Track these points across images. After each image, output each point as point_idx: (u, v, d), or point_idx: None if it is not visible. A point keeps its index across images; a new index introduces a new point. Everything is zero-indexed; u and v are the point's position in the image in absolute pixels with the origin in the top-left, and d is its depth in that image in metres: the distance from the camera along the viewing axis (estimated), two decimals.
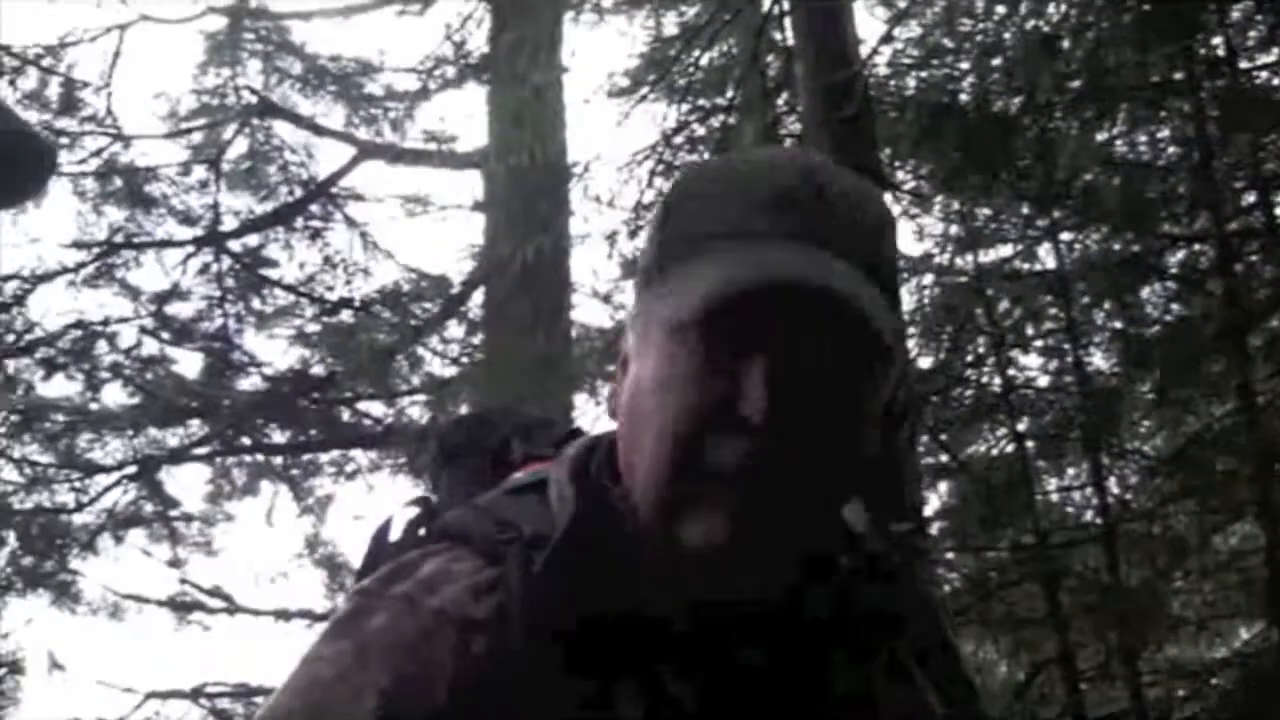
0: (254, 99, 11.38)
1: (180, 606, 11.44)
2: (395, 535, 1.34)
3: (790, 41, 7.31)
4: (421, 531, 1.31)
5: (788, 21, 7.35)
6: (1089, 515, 7.09)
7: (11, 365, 10.67)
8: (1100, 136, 7.25)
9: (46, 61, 10.93)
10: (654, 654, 1.12)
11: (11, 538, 10.86)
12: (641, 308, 1.20)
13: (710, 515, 1.11)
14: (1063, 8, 7.10)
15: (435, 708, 1.08)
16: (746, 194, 1.16)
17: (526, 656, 1.09)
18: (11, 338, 10.60)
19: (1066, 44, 7.06)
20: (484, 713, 1.08)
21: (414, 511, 1.38)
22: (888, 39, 7.52)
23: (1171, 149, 7.49)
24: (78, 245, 10.76)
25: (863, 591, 1.23)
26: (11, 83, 10.83)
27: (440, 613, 1.12)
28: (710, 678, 1.13)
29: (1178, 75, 6.90)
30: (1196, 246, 7.26)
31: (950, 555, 7.21)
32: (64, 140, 10.90)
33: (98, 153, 10.97)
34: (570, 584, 1.12)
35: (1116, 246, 7.27)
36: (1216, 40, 6.96)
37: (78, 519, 11.07)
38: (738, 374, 1.11)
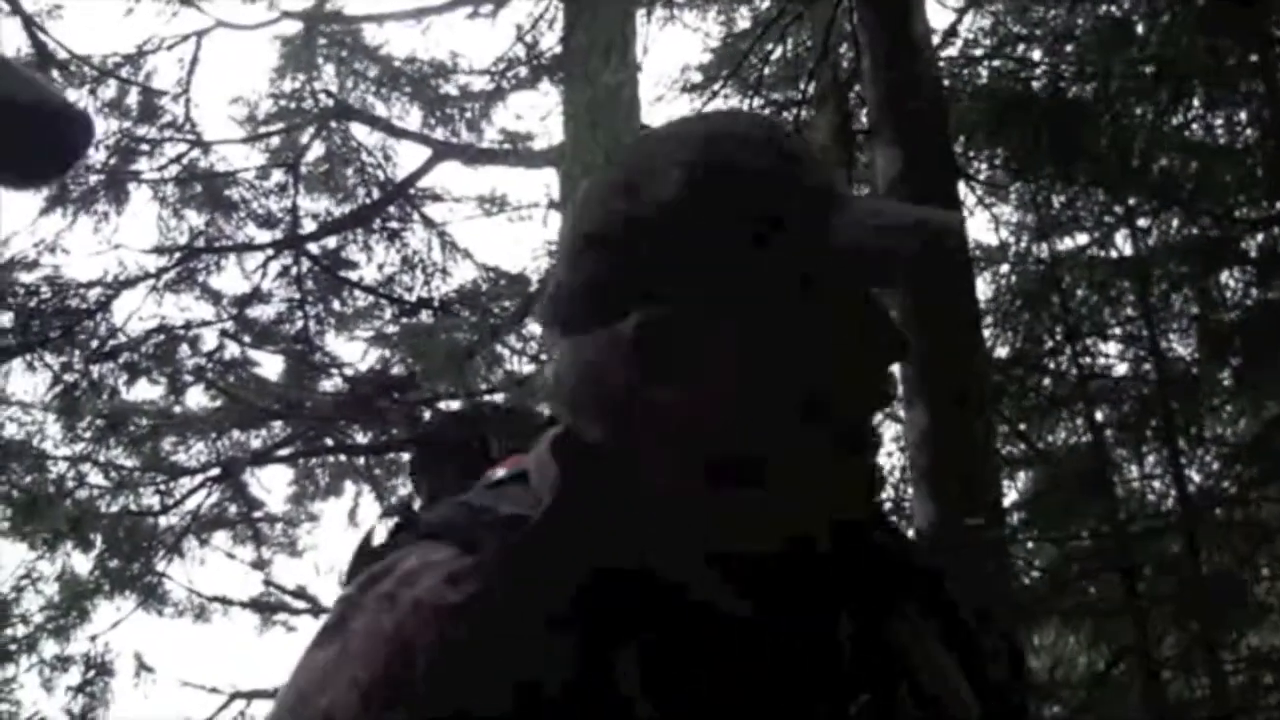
0: (330, 102, 11.50)
1: (264, 608, 11.58)
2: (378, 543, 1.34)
3: (859, 34, 7.29)
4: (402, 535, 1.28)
5: (856, 14, 7.34)
6: (1169, 503, 7.02)
7: (96, 370, 10.78)
8: (1175, 121, 7.18)
9: (125, 70, 11.08)
10: (655, 619, 1.10)
11: (99, 541, 10.97)
12: (721, 275, 1.15)
13: (845, 470, 1.17)
14: None
15: (418, 696, 1.06)
16: (782, 152, 1.19)
17: (511, 635, 1.07)
18: (95, 343, 10.73)
19: (1139, 29, 7.00)
20: (470, 695, 1.06)
21: (395, 518, 1.39)
22: (953, 31, 7.49)
23: (1248, 131, 7.40)
24: (159, 250, 10.91)
25: (870, 542, 1.25)
26: (92, 92, 10.99)
27: (417, 602, 1.10)
28: (714, 643, 1.12)
29: (1252, 57, 6.81)
30: (1276, 230, 7.17)
31: (1029, 545, 7.17)
32: (144, 147, 11.07)
33: (177, 159, 11.13)
34: (557, 548, 1.11)
35: (1194, 231, 7.19)
36: None
37: (163, 521, 11.22)
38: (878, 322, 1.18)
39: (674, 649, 1.09)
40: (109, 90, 11.12)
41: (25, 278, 10.62)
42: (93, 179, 10.89)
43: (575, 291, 1.18)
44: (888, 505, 8.33)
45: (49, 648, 11.15)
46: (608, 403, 1.17)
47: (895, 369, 1.22)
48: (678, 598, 1.11)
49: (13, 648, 11.00)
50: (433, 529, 1.19)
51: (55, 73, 10.76)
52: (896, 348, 1.20)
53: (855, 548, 1.22)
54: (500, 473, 1.31)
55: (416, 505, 1.52)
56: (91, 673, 11.13)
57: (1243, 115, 7.44)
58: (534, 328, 11.08)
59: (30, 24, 10.45)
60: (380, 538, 1.34)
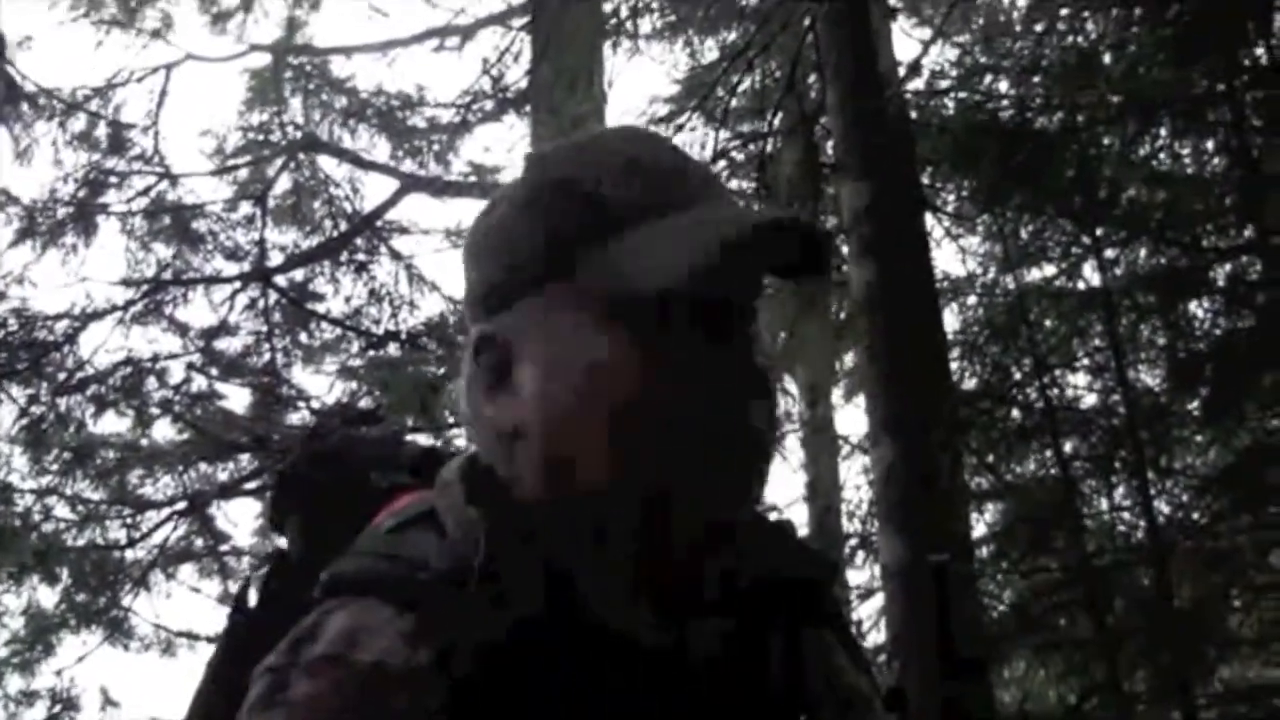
0: (298, 134, 11.48)
1: None
2: (253, 602, 1.28)
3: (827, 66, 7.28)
4: (282, 591, 1.25)
5: (821, 46, 7.34)
6: (1138, 535, 6.99)
7: (63, 403, 10.74)
8: (1142, 151, 7.18)
9: (95, 103, 11.08)
10: (581, 656, 1.08)
11: (65, 574, 10.96)
12: (555, 299, 1.15)
13: (726, 483, 1.12)
14: (1102, 23, 7.04)
15: None
16: (638, 165, 1.16)
17: (487, 691, 1.05)
18: (63, 376, 10.68)
19: (1106, 59, 7.00)
20: None
21: (267, 571, 1.32)
22: (919, 63, 7.49)
23: (1215, 161, 7.40)
24: (126, 283, 10.89)
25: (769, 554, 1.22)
26: (61, 125, 10.98)
27: (378, 666, 1.05)
28: (640, 678, 1.10)
29: (1219, 87, 6.82)
30: (1244, 259, 7.16)
31: (998, 579, 7.13)
32: (113, 180, 11.04)
33: (145, 191, 11.13)
34: (510, 599, 1.08)
35: (1162, 261, 7.18)
36: (1259, 51, 6.87)
37: (130, 555, 11.21)
38: (730, 337, 1.13)
39: (600, 686, 1.08)
40: (78, 123, 11.14)
41: None
42: (61, 212, 10.85)
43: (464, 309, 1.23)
44: (853, 540, 8.31)
45: (14, 682, 11.18)
46: (472, 418, 1.19)
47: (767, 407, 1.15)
48: (601, 633, 1.09)
49: None
50: (355, 582, 1.13)
51: (25, 105, 10.76)
52: (729, 390, 1.12)
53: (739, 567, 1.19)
54: (398, 510, 1.25)
55: (287, 550, 1.42)
56: (57, 707, 11.11)
57: (1210, 144, 7.44)
58: None
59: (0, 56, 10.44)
60: (254, 595, 1.26)
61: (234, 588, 11.73)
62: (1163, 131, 7.14)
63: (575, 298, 1.13)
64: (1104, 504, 7.37)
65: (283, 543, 1.42)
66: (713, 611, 1.15)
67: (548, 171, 1.19)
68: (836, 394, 11.97)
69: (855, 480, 11.46)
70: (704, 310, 1.12)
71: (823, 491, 11.96)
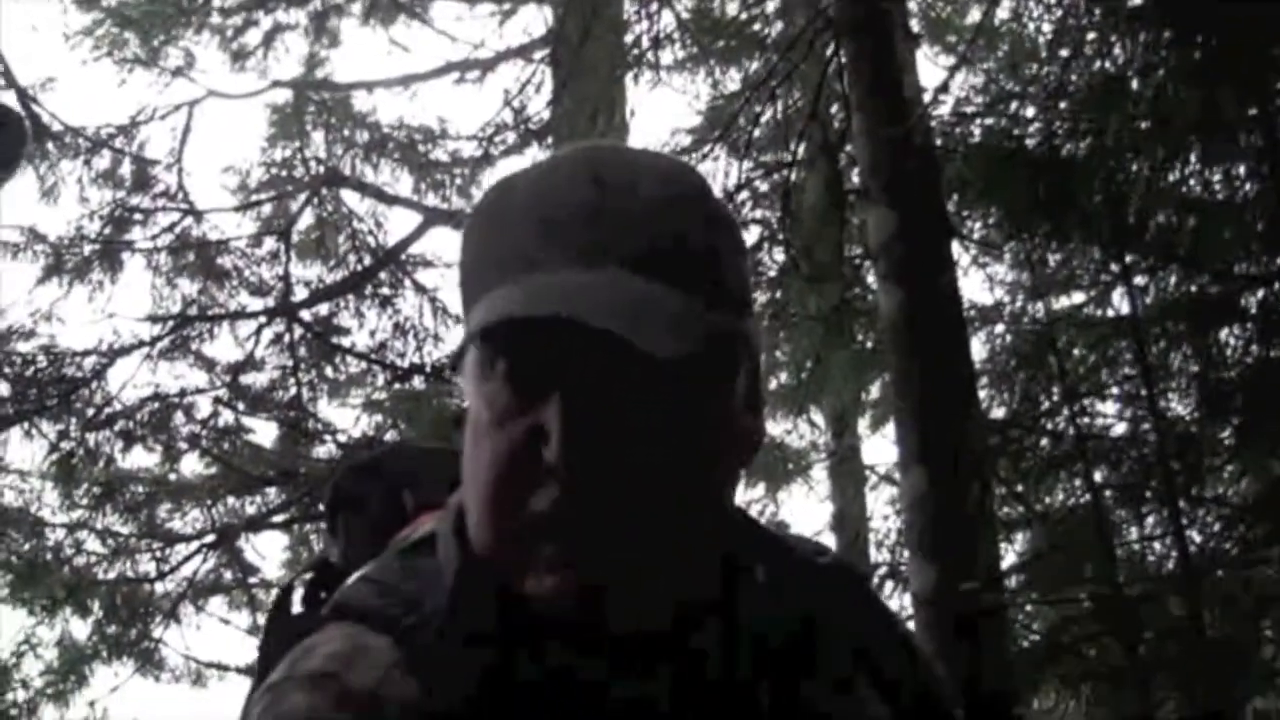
0: (321, 169, 11.52)
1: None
2: (297, 606, 1.29)
3: (850, 94, 7.26)
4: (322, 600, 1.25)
5: (847, 74, 7.31)
6: (1169, 565, 6.92)
7: (92, 438, 10.80)
8: (1172, 177, 7.12)
9: (119, 141, 11.15)
10: (584, 702, 1.08)
11: (96, 607, 11.07)
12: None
13: (542, 569, 1.07)
14: (1129, 47, 6.99)
15: None
16: (526, 217, 1.11)
17: None
18: (91, 411, 10.75)
19: (1135, 84, 6.95)
20: None
21: (311, 577, 1.32)
22: (946, 87, 7.46)
23: (1247, 186, 7.34)
24: (153, 319, 10.93)
25: (769, 615, 1.18)
26: (86, 163, 11.06)
27: (373, 696, 1.07)
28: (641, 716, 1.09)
29: (1250, 111, 6.76)
30: (1276, 286, 7.10)
31: (1028, 609, 7.07)
32: (137, 216, 11.10)
33: (170, 227, 11.17)
34: (465, 654, 1.08)
35: (1192, 288, 7.12)
36: None
37: (159, 588, 11.31)
38: (541, 415, 1.06)
39: None
40: (103, 161, 11.20)
41: (22, 347, 10.77)
42: (87, 249, 10.92)
43: None
44: (883, 569, 8.25)
45: (49, 713, 11.27)
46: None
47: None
48: (570, 679, 1.08)
49: (14, 712, 11.11)
50: (350, 609, 1.16)
51: (50, 144, 10.83)
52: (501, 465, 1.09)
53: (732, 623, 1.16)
54: (415, 533, 1.27)
55: (333, 559, 1.44)
56: None
57: (1241, 169, 7.39)
58: None
59: (24, 96, 10.51)
60: (298, 597, 1.27)
61: (262, 619, 11.78)
62: (1192, 157, 7.08)
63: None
64: (1134, 533, 7.31)
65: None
66: (685, 662, 1.12)
67: (479, 205, 1.19)
68: (863, 424, 11.92)
69: (882, 510, 11.42)
70: (508, 358, 1.10)
71: (850, 521, 11.91)
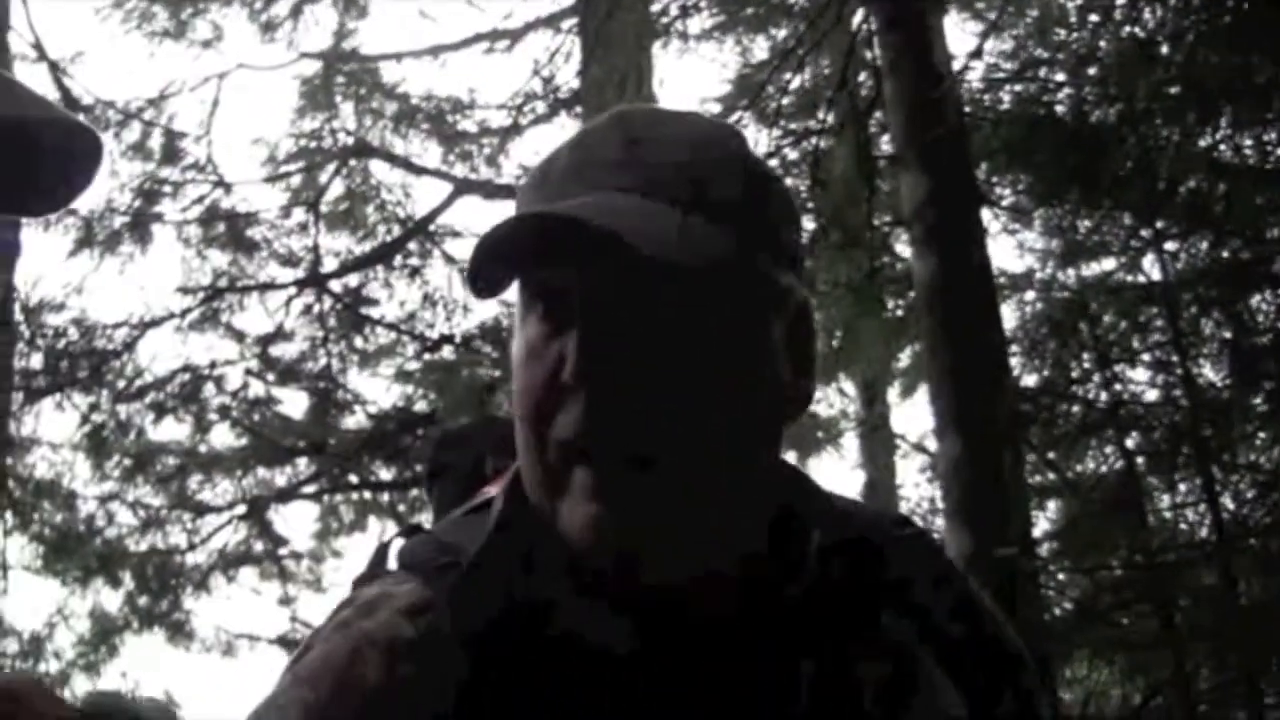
0: (350, 141, 11.53)
1: (291, 644, 11.58)
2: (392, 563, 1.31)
3: (880, 61, 7.23)
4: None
5: (877, 40, 7.29)
6: (1203, 532, 6.91)
7: (123, 410, 10.86)
8: (1202, 142, 7.08)
9: (148, 114, 11.17)
10: (592, 669, 1.06)
11: (128, 578, 11.14)
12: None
13: (576, 497, 1.06)
14: (1159, 12, 6.94)
15: None
16: (563, 169, 1.12)
17: (457, 675, 1.05)
18: (122, 383, 10.80)
19: (1164, 49, 6.91)
20: None
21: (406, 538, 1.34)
22: (978, 53, 7.42)
23: (1278, 151, 7.29)
24: (183, 291, 10.98)
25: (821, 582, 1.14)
26: (116, 135, 11.08)
27: (369, 635, 1.08)
28: (659, 690, 1.07)
29: None
30: None
31: (1060, 577, 7.06)
32: (167, 189, 11.13)
33: (200, 200, 11.21)
34: (485, 598, 1.08)
35: (1224, 254, 7.09)
36: None
37: (190, 559, 11.41)
38: (567, 342, 1.06)
39: (565, 695, 1.06)
40: (133, 133, 11.23)
41: (54, 319, 10.79)
42: (117, 221, 10.97)
43: None
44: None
45: (81, 683, 11.32)
46: None
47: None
48: (575, 640, 1.08)
49: (46, 682, 11.03)
50: (402, 561, 1.19)
51: (81, 117, 10.84)
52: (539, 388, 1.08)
53: (782, 584, 1.13)
54: (486, 494, 1.31)
55: (427, 524, 1.47)
56: None
57: (1272, 135, 7.34)
58: None
59: (56, 69, 10.57)
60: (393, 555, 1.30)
61: (292, 590, 11.86)
62: (1223, 122, 7.05)
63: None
64: (1166, 500, 7.29)
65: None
66: (704, 624, 1.10)
67: (528, 171, 1.20)
68: (892, 392, 11.90)
69: (914, 479, 11.41)
70: (541, 296, 1.10)
71: (881, 489, 11.91)
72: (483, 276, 1.06)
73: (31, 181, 0.99)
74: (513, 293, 1.12)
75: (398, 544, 1.26)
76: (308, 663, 1.09)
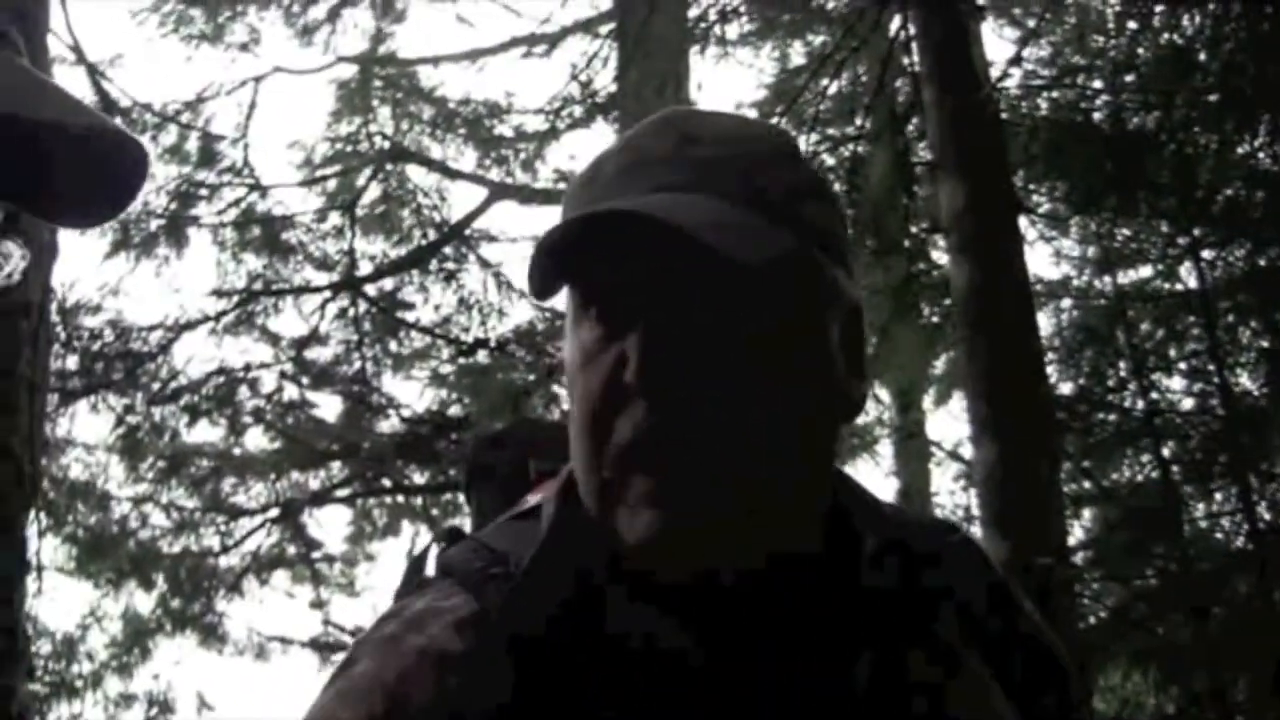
0: (386, 144, 11.55)
1: (323, 647, 11.62)
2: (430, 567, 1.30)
3: (918, 67, 7.23)
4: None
5: (915, 47, 7.28)
6: (1239, 541, 6.87)
7: (158, 412, 10.89)
8: (1241, 150, 7.05)
9: (185, 117, 11.22)
10: (653, 680, 1.05)
11: (161, 580, 11.17)
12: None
13: (635, 505, 1.05)
14: (1198, 19, 6.92)
15: None
16: (612, 170, 1.12)
17: (510, 688, 1.04)
18: (157, 386, 10.83)
19: (1203, 56, 6.89)
20: None
21: (443, 546, 1.33)
22: (1017, 60, 7.41)
23: None
24: (218, 294, 11.00)
25: (873, 577, 1.14)
26: (153, 138, 11.13)
27: (421, 651, 1.07)
28: (721, 699, 1.05)
29: None
30: None
31: (1096, 585, 7.03)
32: (203, 192, 11.17)
33: (236, 203, 11.23)
34: (540, 608, 1.07)
35: (1261, 262, 7.05)
36: None
37: (223, 561, 11.40)
38: (626, 344, 1.05)
39: (627, 705, 1.04)
40: (169, 136, 11.26)
41: (89, 321, 10.78)
42: (154, 224, 11.00)
43: None
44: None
45: (113, 685, 11.38)
46: None
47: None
48: (634, 648, 1.06)
49: (79, 684, 11.21)
50: (446, 568, 1.17)
51: (118, 119, 10.89)
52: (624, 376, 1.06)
53: (840, 581, 1.12)
54: (532, 500, 1.27)
55: (467, 528, 1.46)
56: (154, 710, 11.40)
57: None
58: None
59: (94, 72, 10.62)
60: (431, 561, 1.29)
61: (325, 593, 11.89)
62: (1261, 129, 7.02)
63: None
64: (1203, 509, 7.26)
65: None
66: (771, 630, 1.08)
67: (576, 174, 1.19)
68: (927, 399, 11.86)
69: (948, 486, 11.39)
70: (597, 298, 1.09)
71: (916, 496, 11.87)
72: (543, 276, 1.06)
73: (82, 192, 1.00)
74: (556, 299, 1.12)
75: (435, 550, 1.26)
76: (355, 678, 1.07)
